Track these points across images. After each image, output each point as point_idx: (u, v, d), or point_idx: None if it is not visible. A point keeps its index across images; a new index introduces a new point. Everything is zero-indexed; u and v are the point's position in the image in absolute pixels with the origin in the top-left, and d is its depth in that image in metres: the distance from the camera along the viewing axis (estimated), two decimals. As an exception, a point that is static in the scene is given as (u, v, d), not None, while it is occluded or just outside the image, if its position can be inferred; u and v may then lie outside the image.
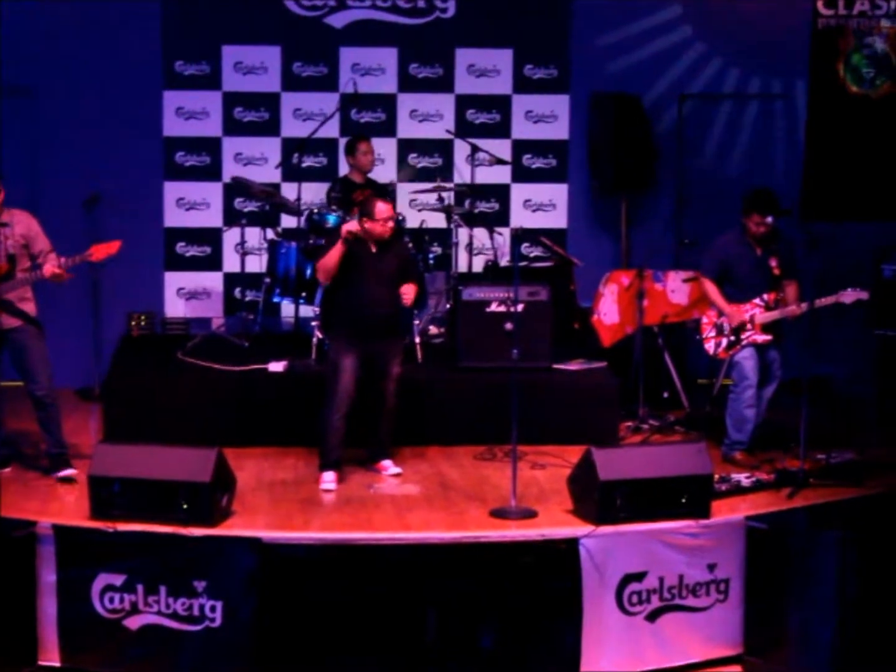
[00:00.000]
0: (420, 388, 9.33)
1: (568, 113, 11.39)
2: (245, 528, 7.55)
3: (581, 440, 8.58)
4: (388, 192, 10.63)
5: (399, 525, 7.74)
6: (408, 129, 11.34)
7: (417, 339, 9.82)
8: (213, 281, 11.31)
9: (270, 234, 10.39)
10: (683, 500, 7.66)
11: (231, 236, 11.01)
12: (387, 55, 11.24)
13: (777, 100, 11.45)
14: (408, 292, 8.49)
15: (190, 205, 11.22)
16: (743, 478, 8.36)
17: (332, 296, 8.60)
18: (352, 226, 8.41)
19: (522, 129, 11.40)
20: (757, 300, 8.93)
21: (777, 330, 8.95)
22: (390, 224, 8.51)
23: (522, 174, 11.45)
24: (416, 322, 9.91)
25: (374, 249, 8.51)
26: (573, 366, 9.81)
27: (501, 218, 11.38)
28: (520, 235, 9.57)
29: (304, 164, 10.72)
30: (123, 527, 7.41)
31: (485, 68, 11.32)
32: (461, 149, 11.11)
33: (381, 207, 8.49)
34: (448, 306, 10.23)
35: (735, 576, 7.68)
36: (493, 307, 9.60)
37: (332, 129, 10.98)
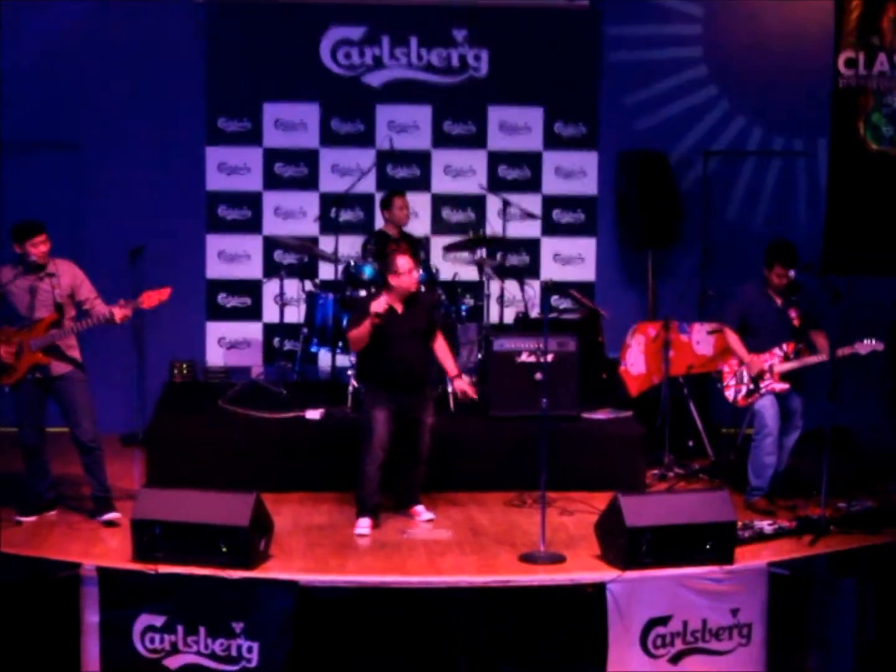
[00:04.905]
0: (452, 437, 9.37)
1: (596, 169, 11.53)
2: (282, 570, 7.63)
3: (608, 487, 8.63)
4: (422, 246, 10.72)
5: (431, 569, 7.80)
6: (442, 184, 11.50)
7: (450, 389, 9.83)
8: (253, 331, 11.44)
9: (308, 285, 10.51)
10: (707, 547, 7.74)
11: (270, 287, 11.18)
12: (422, 113, 11.42)
13: (799, 157, 11.53)
14: (466, 389, 8.70)
15: (231, 257, 11.39)
16: (766, 525, 8.40)
17: (366, 351, 8.67)
18: (379, 306, 8.40)
19: (552, 184, 11.54)
20: (776, 350, 9.00)
21: (798, 380, 9.02)
22: (414, 275, 8.55)
23: (552, 228, 11.56)
24: (449, 372, 10.07)
25: (400, 309, 8.59)
26: (601, 415, 9.89)
27: (532, 271, 11.47)
28: (549, 288, 9.64)
29: (341, 218, 10.80)
30: (165, 569, 7.50)
31: (516, 125, 11.48)
32: (493, 203, 11.25)
33: (402, 261, 8.53)
34: (479, 356, 10.25)
35: (757, 620, 7.72)
36: (524, 357, 9.67)
37: (368, 185, 11.14)
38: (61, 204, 10.90)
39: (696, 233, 11.38)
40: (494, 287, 10.81)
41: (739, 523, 8.05)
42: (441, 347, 8.82)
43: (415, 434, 8.73)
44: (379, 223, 11.05)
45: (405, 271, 8.53)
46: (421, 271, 9.85)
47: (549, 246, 11.61)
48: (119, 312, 8.36)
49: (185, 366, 11.17)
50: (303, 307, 10.46)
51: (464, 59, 11.42)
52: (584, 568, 7.79)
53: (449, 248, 10.70)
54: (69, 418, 8.55)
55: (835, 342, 8.65)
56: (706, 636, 7.70)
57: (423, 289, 9.22)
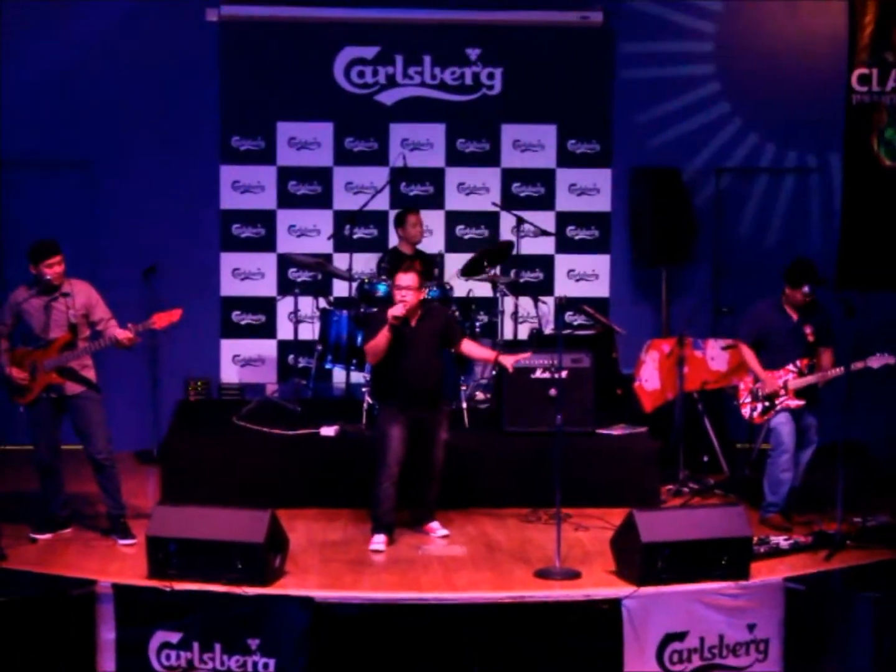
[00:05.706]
0: (467, 453, 9.39)
1: (610, 186, 11.55)
2: (297, 587, 7.65)
3: (623, 503, 8.70)
4: (435, 263, 10.74)
5: (446, 585, 7.82)
6: (455, 201, 11.52)
7: (464, 405, 9.90)
8: (267, 348, 11.47)
9: (323, 302, 10.53)
10: (723, 562, 7.74)
11: (285, 305, 11.22)
12: (435, 131, 11.46)
13: (812, 173, 11.56)
14: (515, 358, 8.73)
15: (245, 275, 11.42)
16: (781, 540, 8.42)
17: (380, 367, 8.72)
18: (397, 310, 8.45)
19: (566, 201, 11.56)
20: (790, 366, 8.97)
21: (813, 395, 8.98)
22: (404, 293, 8.51)
23: (566, 245, 11.58)
24: (463, 388, 9.99)
25: (413, 323, 8.62)
26: (615, 430, 9.88)
27: (546, 287, 11.51)
28: (563, 304, 9.62)
29: (355, 236, 10.78)
30: (180, 586, 7.53)
31: (529, 143, 11.50)
32: (507, 221, 11.25)
33: (400, 276, 8.56)
34: (494, 373, 10.22)
35: (774, 635, 7.72)
36: (538, 374, 9.66)
37: (382, 202, 11.17)
38: (76, 223, 10.93)
39: (709, 249, 11.42)
40: (508, 303, 10.85)
41: (755, 538, 8.07)
42: (468, 346, 8.84)
43: (429, 450, 8.75)
44: (393, 241, 11.09)
45: (401, 286, 8.53)
46: (434, 288, 9.96)
47: (562, 263, 11.64)
48: (122, 334, 8.35)
49: (199, 383, 11.23)
50: (317, 324, 10.49)
51: (477, 78, 11.46)
52: (599, 584, 7.80)
53: (466, 273, 10.67)
54: (83, 436, 8.59)
55: (849, 356, 8.64)
56: (723, 652, 7.70)
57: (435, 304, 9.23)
